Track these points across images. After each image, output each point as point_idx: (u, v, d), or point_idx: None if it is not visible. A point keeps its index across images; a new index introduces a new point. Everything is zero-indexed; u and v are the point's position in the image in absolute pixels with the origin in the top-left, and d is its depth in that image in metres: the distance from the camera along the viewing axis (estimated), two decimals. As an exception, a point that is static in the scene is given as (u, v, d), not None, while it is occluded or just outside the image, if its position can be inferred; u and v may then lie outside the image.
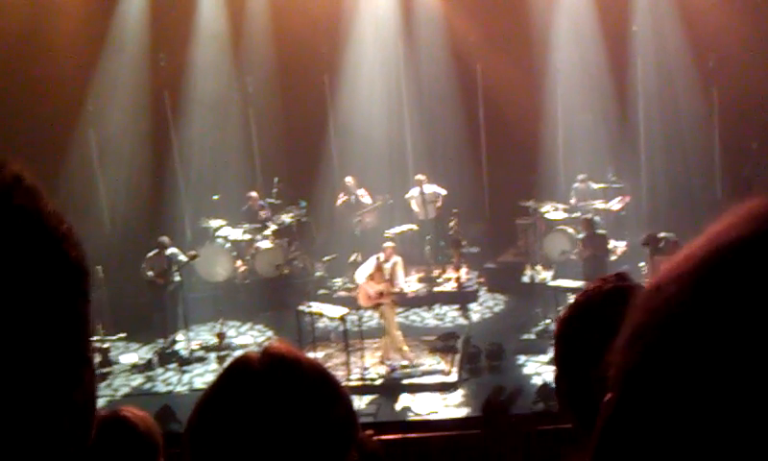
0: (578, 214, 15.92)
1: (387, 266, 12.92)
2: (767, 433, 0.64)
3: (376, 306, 12.92)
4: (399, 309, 15.12)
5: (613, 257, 16.02)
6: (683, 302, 0.70)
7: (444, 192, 16.74)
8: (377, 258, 12.99)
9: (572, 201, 16.63)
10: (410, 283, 16.15)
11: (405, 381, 12.61)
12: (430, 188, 16.66)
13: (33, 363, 0.80)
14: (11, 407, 0.79)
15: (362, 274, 13.06)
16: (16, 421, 0.79)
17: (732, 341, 0.66)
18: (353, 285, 14.17)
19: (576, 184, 16.76)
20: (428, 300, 15.81)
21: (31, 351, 0.80)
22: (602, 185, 16.53)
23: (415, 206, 16.84)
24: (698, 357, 0.67)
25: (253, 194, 17.16)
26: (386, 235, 15.73)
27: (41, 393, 0.81)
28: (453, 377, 12.56)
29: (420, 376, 12.70)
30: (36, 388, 0.81)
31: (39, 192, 0.85)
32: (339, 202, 17.29)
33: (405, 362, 12.85)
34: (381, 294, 12.76)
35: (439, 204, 16.68)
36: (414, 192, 16.85)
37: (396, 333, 13.02)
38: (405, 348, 13.04)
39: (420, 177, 16.76)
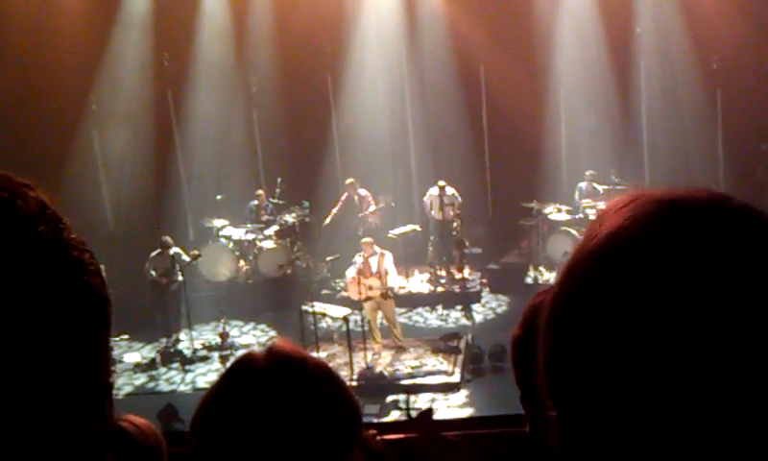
0: (581, 215, 15.90)
1: (372, 260, 13.04)
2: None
3: (368, 299, 13.08)
4: (402, 309, 15.17)
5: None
6: (578, 314, 0.82)
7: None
8: (362, 255, 13.27)
9: (576, 198, 16.60)
10: (413, 282, 16.19)
11: (408, 382, 12.62)
12: (450, 191, 16.45)
13: (55, 393, 0.81)
14: (34, 438, 0.80)
15: (350, 270, 13.39)
16: (40, 451, 0.80)
17: (623, 340, 0.77)
18: (344, 283, 14.28)
19: (582, 183, 16.68)
20: (431, 300, 15.81)
21: (53, 381, 0.81)
22: (605, 187, 16.50)
23: (434, 209, 16.52)
24: (598, 362, 0.78)
25: (260, 192, 17.19)
26: (390, 236, 15.74)
27: (64, 423, 0.82)
28: (456, 378, 12.56)
29: (423, 376, 12.70)
30: (58, 418, 0.81)
31: (62, 220, 0.86)
32: (337, 207, 17.11)
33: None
34: (371, 287, 12.89)
35: (456, 206, 16.39)
36: (433, 192, 16.57)
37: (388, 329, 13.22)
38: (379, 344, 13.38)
39: (441, 183, 16.49)
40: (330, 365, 1.72)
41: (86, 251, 0.87)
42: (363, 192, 17.08)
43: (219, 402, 1.56)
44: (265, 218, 16.88)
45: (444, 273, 16.48)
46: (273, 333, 14.89)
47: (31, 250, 0.81)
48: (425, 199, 16.69)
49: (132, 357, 14.32)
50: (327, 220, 17.08)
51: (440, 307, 15.54)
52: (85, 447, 0.84)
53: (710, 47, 16.63)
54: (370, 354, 13.12)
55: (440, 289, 16.08)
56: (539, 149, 17.85)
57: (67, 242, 0.85)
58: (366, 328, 13.24)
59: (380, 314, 13.48)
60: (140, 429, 2.67)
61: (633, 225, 0.83)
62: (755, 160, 16.89)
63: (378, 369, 12.93)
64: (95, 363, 0.85)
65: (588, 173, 16.68)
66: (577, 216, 16.03)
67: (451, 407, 11.92)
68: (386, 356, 13.35)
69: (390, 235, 15.82)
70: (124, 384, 13.51)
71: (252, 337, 14.90)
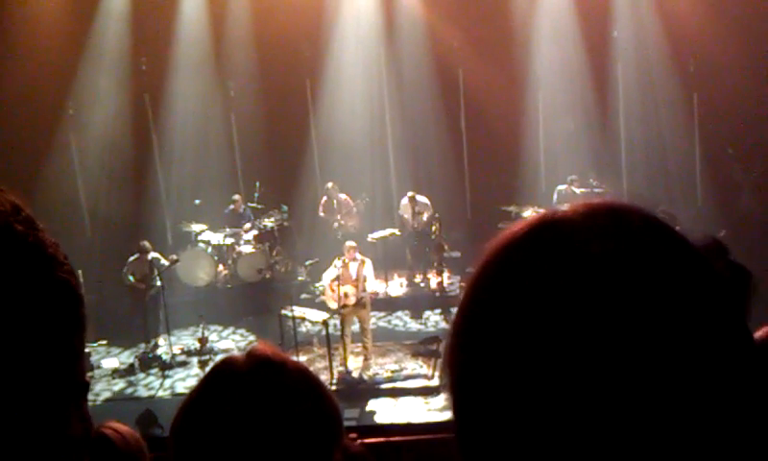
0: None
1: (352, 266, 12.92)
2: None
3: (344, 306, 12.87)
4: (381, 313, 15.15)
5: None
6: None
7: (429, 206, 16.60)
8: (343, 260, 12.95)
9: (554, 201, 16.61)
10: (391, 286, 16.17)
11: (388, 385, 12.61)
12: (422, 198, 16.48)
13: (31, 389, 0.81)
14: (7, 435, 0.79)
15: (328, 275, 13.07)
16: (14, 449, 0.80)
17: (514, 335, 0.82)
18: (321, 287, 14.08)
19: (562, 186, 16.66)
20: (411, 304, 15.80)
21: (29, 378, 0.81)
22: (584, 190, 16.56)
23: (406, 215, 16.55)
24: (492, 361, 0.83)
25: (236, 197, 17.12)
26: (369, 240, 15.72)
27: (39, 419, 0.82)
28: (436, 382, 12.57)
29: (402, 380, 12.70)
30: (33, 414, 0.81)
31: (36, 221, 0.87)
32: (320, 210, 17.20)
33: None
34: (346, 294, 12.78)
35: (426, 215, 16.43)
36: (404, 202, 16.60)
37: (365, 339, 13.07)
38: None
39: (410, 193, 16.52)
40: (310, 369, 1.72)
41: (60, 251, 0.88)
42: (342, 196, 17.07)
43: (200, 406, 1.55)
44: (244, 224, 16.73)
45: (422, 277, 16.49)
46: (252, 338, 14.83)
47: (7, 247, 0.82)
48: (400, 211, 16.72)
49: (111, 363, 14.23)
50: (320, 210, 17.13)
51: (419, 311, 15.54)
52: (62, 445, 0.84)
53: (687, 50, 16.76)
54: (350, 358, 13.09)
55: (418, 293, 16.07)
56: (517, 152, 17.92)
57: (42, 241, 0.86)
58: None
59: (356, 319, 13.32)
60: (122, 436, 2.66)
61: (514, 242, 0.92)
62: (727, 163, 17.04)
63: (358, 373, 12.91)
64: (69, 360, 0.86)
65: (570, 178, 16.71)
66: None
67: (431, 411, 11.92)
68: (365, 360, 13.32)
69: (369, 239, 15.80)
70: (102, 390, 13.43)
71: (231, 342, 14.84)
